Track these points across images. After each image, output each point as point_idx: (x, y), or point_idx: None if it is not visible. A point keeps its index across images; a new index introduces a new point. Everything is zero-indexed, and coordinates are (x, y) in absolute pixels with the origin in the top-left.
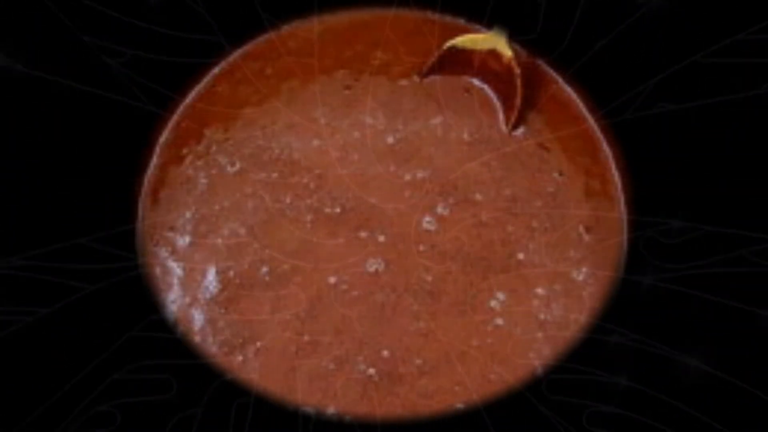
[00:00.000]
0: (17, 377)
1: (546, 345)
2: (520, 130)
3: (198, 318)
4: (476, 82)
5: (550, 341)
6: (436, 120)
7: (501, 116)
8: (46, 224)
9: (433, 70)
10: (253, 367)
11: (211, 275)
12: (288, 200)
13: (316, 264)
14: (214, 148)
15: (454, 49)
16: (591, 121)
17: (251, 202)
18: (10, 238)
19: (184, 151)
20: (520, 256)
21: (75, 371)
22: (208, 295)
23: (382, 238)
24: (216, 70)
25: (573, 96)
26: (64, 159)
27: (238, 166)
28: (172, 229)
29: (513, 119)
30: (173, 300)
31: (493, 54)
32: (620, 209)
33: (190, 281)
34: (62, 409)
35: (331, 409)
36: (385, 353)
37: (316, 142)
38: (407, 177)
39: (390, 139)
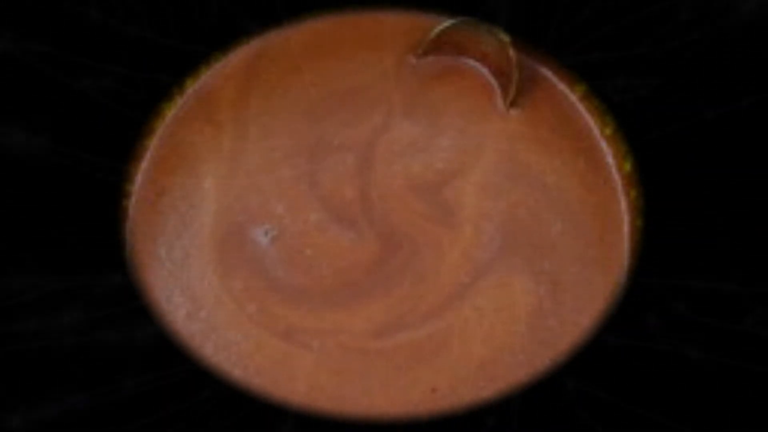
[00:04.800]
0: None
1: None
2: (517, 111)
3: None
4: (472, 62)
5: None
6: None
7: (499, 93)
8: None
9: (428, 52)
10: None
11: None
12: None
13: None
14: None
15: (448, 31)
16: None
17: None
18: None
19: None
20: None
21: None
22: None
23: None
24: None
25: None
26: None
27: None
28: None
29: (511, 96)
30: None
31: (489, 37)
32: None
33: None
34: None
35: None
36: None
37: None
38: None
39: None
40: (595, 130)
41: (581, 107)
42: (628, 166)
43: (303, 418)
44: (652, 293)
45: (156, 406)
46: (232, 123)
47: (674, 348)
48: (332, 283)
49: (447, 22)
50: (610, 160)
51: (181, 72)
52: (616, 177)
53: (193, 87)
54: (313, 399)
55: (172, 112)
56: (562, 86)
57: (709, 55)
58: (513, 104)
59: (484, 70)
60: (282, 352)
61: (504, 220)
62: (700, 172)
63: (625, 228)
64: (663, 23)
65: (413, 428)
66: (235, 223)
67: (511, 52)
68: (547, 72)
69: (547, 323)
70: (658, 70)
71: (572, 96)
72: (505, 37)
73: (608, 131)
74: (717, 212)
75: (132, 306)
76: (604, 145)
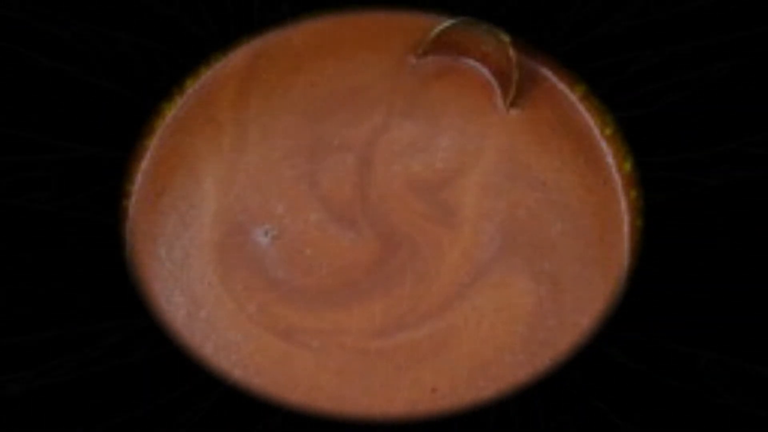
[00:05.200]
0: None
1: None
2: (517, 111)
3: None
4: (472, 62)
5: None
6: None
7: (499, 93)
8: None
9: (428, 51)
10: None
11: None
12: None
13: None
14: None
15: (448, 31)
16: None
17: None
18: None
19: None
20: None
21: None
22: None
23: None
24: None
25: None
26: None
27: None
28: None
29: (511, 96)
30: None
31: (489, 37)
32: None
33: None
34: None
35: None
36: None
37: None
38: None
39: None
40: (595, 130)
41: (581, 107)
42: (628, 166)
43: (303, 418)
44: (651, 294)
45: (156, 405)
46: (232, 123)
47: (673, 351)
48: (332, 283)
49: (447, 22)
50: (610, 160)
51: (181, 72)
52: (616, 177)
53: (193, 87)
54: (313, 399)
55: (172, 112)
56: (562, 86)
57: (711, 55)
58: (513, 104)
59: (484, 70)
60: (282, 352)
61: (504, 220)
62: (700, 172)
63: (625, 228)
64: (664, 22)
65: (413, 428)
66: (235, 223)
67: (511, 52)
68: (547, 72)
69: (547, 323)
70: (658, 70)
71: (572, 96)
72: (505, 37)
73: (608, 131)
74: (717, 212)
75: (132, 308)
76: (604, 145)
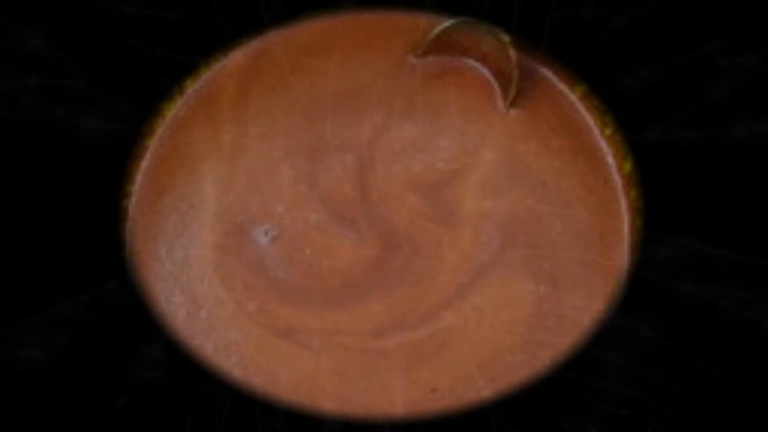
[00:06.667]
0: None
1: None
2: (517, 111)
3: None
4: (472, 62)
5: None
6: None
7: (499, 93)
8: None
9: (429, 51)
10: None
11: None
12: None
13: None
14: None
15: (448, 31)
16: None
17: None
18: None
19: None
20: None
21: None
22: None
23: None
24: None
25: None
26: None
27: None
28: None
29: (511, 96)
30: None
31: (489, 37)
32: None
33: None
34: None
35: None
36: None
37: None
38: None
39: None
40: (595, 130)
41: (581, 107)
42: (628, 166)
43: (303, 418)
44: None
45: (156, 406)
46: (232, 123)
47: (673, 350)
48: (332, 283)
49: (447, 22)
50: (610, 160)
51: (181, 72)
52: (616, 177)
53: (193, 87)
54: (313, 399)
55: (172, 112)
56: (562, 86)
57: (712, 55)
58: (513, 104)
59: (484, 70)
60: (282, 352)
61: (504, 220)
62: (700, 172)
63: (625, 228)
64: (664, 22)
65: (413, 428)
66: (235, 223)
67: (511, 52)
68: (547, 72)
69: (547, 323)
70: (658, 70)
71: (572, 96)
72: (505, 37)
73: (608, 131)
74: (717, 213)
75: (131, 307)
76: (604, 145)
